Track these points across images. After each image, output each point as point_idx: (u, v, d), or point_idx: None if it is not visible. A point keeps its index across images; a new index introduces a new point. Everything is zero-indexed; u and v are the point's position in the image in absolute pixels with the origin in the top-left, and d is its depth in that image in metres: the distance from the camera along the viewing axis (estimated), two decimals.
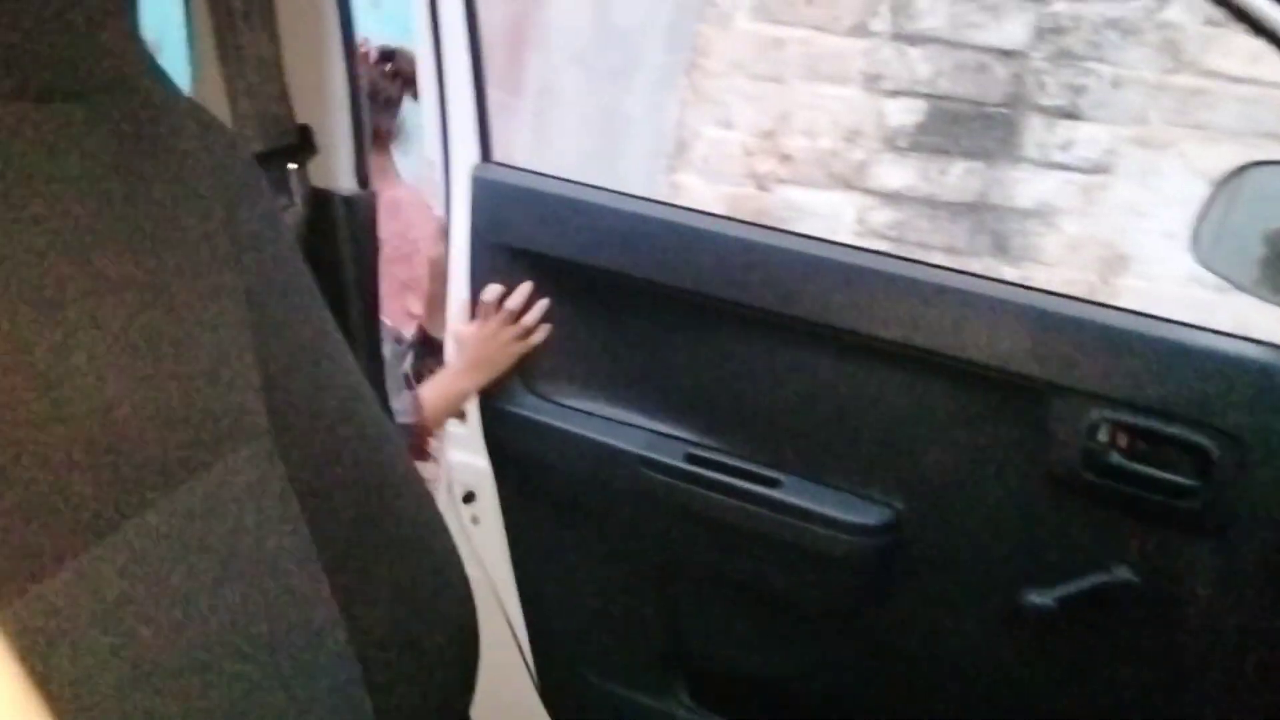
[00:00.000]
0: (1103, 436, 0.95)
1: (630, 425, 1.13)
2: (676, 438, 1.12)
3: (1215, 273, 1.09)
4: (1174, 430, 0.94)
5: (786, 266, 1.04)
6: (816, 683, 1.19)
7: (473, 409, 1.21)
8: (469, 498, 1.25)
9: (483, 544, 1.25)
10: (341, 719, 0.70)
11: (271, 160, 0.86)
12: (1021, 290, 1.04)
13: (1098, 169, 1.94)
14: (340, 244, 0.93)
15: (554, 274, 1.15)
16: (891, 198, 1.98)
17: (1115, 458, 0.95)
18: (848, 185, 1.98)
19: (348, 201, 0.93)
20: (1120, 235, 1.96)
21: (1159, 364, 0.95)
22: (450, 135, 1.19)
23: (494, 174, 1.18)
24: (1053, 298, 1.03)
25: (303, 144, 0.88)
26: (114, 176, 0.60)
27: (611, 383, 1.16)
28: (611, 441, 1.12)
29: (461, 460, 1.23)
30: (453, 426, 1.24)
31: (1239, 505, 0.92)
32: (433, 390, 1.21)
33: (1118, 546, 0.97)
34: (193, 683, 0.59)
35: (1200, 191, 1.97)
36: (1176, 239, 1.93)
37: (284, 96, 0.87)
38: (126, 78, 0.63)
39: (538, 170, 1.18)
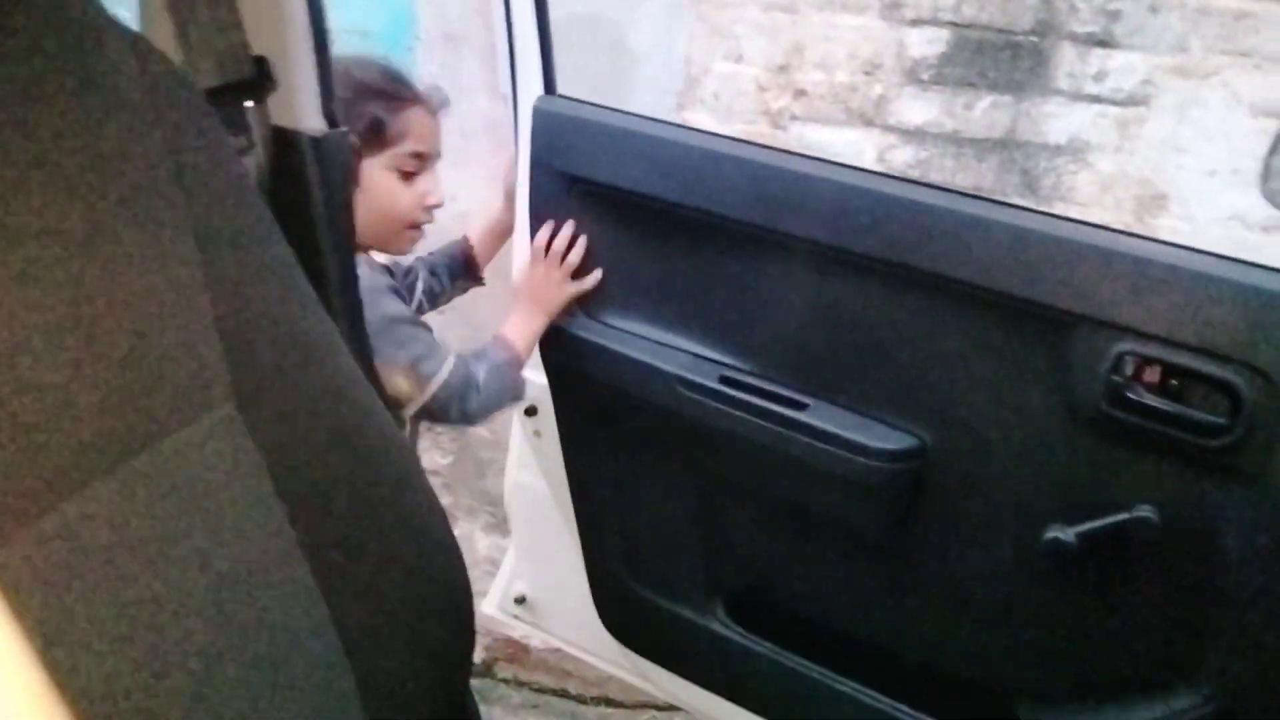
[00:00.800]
0: (1128, 370, 0.94)
1: (670, 347, 1.20)
2: (713, 360, 1.17)
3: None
4: (1202, 366, 0.91)
5: (821, 196, 1.06)
6: (842, 606, 1.21)
7: None
8: (531, 411, 1.34)
9: (546, 456, 1.33)
10: (325, 700, 0.66)
11: (225, 97, 0.78)
12: (1049, 219, 1.03)
13: (1134, 101, 1.82)
14: (309, 189, 0.86)
15: (607, 202, 1.21)
16: (913, 134, 1.87)
17: (1140, 393, 0.94)
18: (867, 122, 1.87)
19: (316, 142, 0.86)
20: (1157, 173, 1.84)
21: (1188, 297, 0.92)
22: (517, 69, 1.27)
23: (555, 105, 1.25)
24: (1080, 227, 1.02)
25: (260, 78, 0.80)
26: (40, 113, 0.53)
27: (656, 306, 1.22)
28: (652, 361, 1.18)
29: (525, 375, 1.32)
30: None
31: (1271, 447, 0.89)
32: (514, 331, 1.29)
33: (1141, 485, 0.96)
34: (154, 667, 0.55)
35: (1244, 124, 1.86)
36: (1218, 175, 1.82)
37: (237, 25, 0.79)
38: (56, 2, 0.56)
39: (596, 103, 1.26)
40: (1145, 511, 0.96)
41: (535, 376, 1.33)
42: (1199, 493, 0.95)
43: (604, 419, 1.28)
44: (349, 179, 0.91)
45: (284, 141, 0.83)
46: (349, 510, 0.69)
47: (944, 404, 1.06)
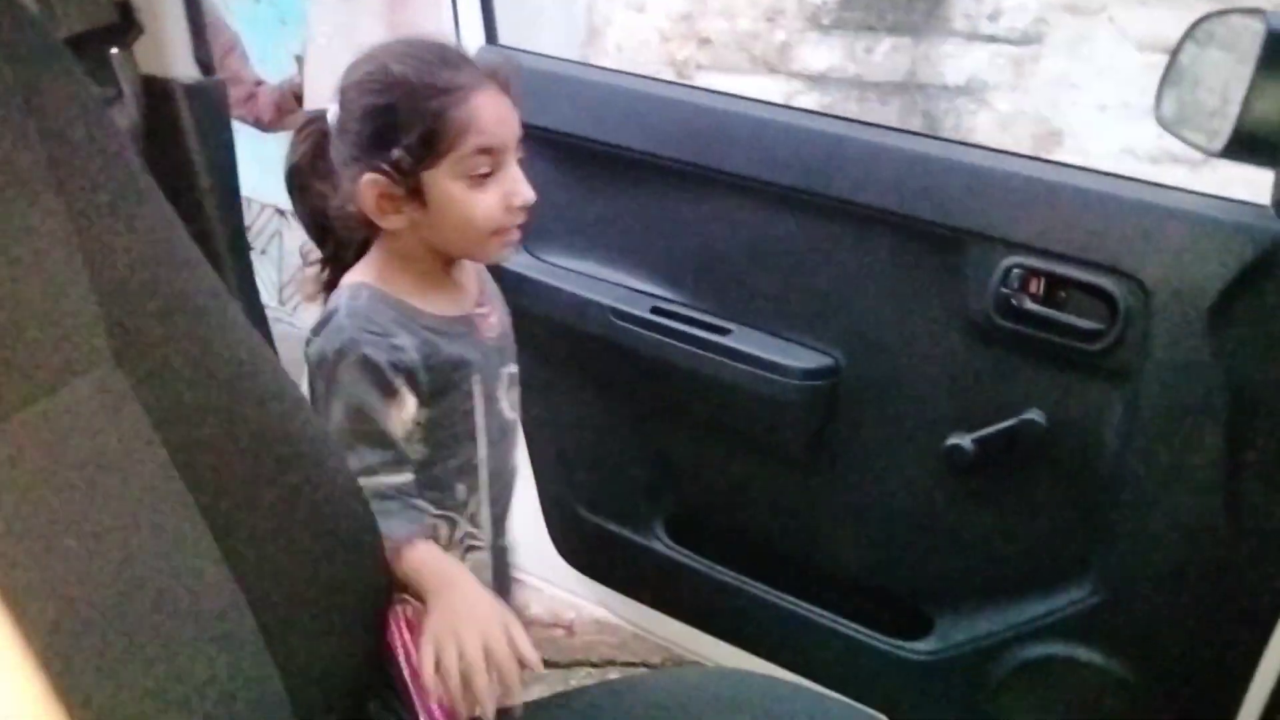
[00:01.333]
0: (1015, 283, 0.99)
1: (607, 281, 1.24)
2: (646, 292, 1.22)
3: (1177, 136, 1.06)
4: (1080, 274, 0.97)
5: (742, 132, 1.12)
6: (769, 521, 1.27)
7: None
8: None
9: None
10: (232, 650, 0.65)
11: (87, 45, 0.74)
12: (945, 144, 1.12)
13: (1027, 40, 1.86)
14: (186, 140, 0.83)
15: (548, 146, 1.23)
16: (817, 80, 1.89)
17: (1027, 303, 0.99)
18: (771, 69, 1.88)
19: (190, 90, 0.82)
20: (1053, 109, 1.90)
21: (1068, 211, 0.99)
22: (459, 21, 1.30)
23: (498, 55, 1.27)
24: (971, 150, 1.09)
25: (123, 23, 0.76)
26: None
27: (595, 243, 1.27)
28: (589, 295, 1.23)
29: None
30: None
31: (1144, 349, 0.96)
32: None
33: (1031, 390, 1.03)
34: (43, 625, 0.53)
35: (1132, 59, 1.91)
36: (1109, 110, 1.88)
37: None
38: None
39: (536, 51, 1.31)
40: (1033, 415, 1.02)
41: None
42: (1082, 394, 1.01)
43: (549, 354, 1.32)
44: (228, 127, 0.87)
45: (155, 91, 0.79)
46: (244, 462, 0.68)
47: (854, 323, 1.12)
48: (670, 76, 1.86)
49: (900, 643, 1.14)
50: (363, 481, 0.82)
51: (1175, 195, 1.03)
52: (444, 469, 0.92)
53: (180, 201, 0.71)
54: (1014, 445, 1.04)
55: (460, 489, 0.94)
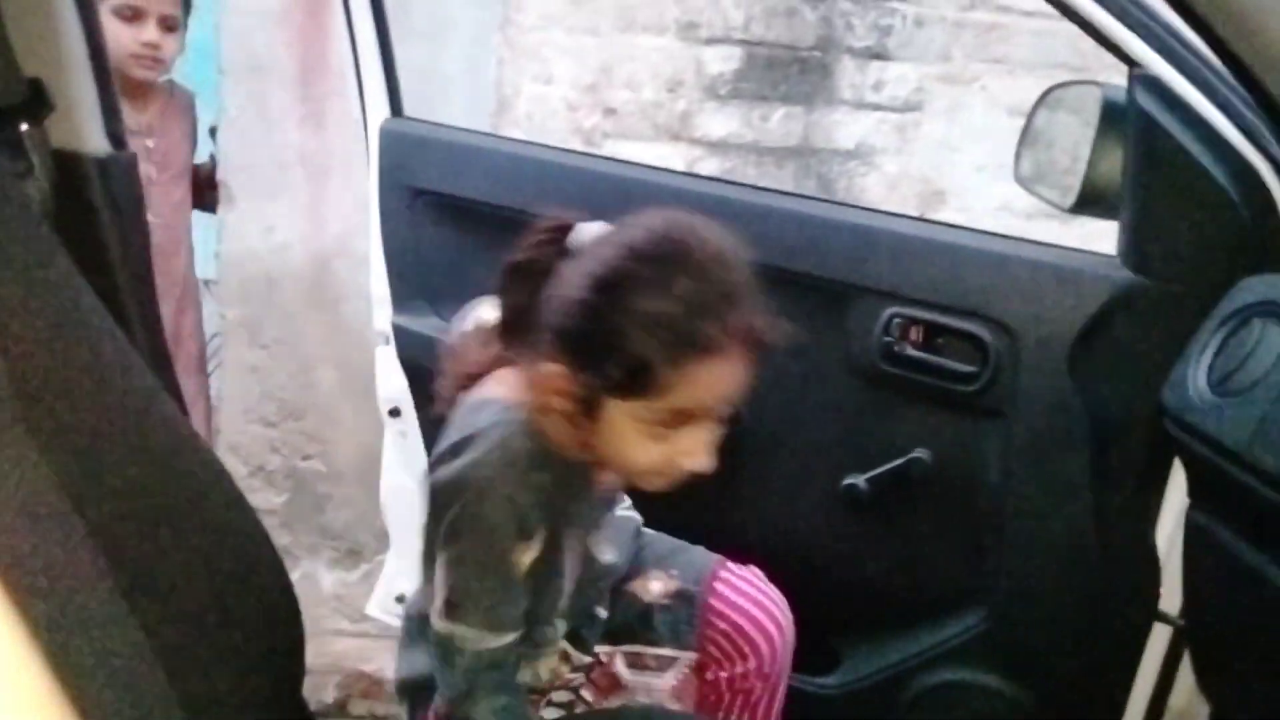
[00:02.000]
0: (895, 331, 1.09)
1: None
2: None
3: (1033, 193, 1.17)
4: (954, 322, 1.07)
5: (637, 196, 1.16)
6: None
7: (391, 332, 1.39)
8: (394, 413, 1.41)
9: (414, 456, 1.41)
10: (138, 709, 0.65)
11: None
12: (825, 204, 1.21)
13: (909, 107, 2.00)
14: (97, 212, 0.85)
15: (451, 211, 1.31)
16: (717, 146, 1.99)
17: (908, 349, 1.09)
18: (674, 136, 1.97)
19: (101, 164, 0.84)
20: (935, 171, 2.03)
21: (941, 264, 1.09)
22: (364, 93, 1.36)
23: (402, 127, 1.35)
24: (854, 210, 1.20)
25: (34, 100, 0.79)
26: None
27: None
28: None
29: (387, 379, 1.40)
30: (379, 349, 1.40)
31: (1013, 388, 1.05)
32: None
33: (916, 431, 1.11)
34: None
35: (1003, 124, 2.06)
36: (986, 171, 2.02)
37: (6, 48, 0.77)
38: None
39: (440, 123, 1.39)
40: (920, 453, 1.10)
41: (396, 378, 1.40)
42: (961, 433, 1.10)
43: None
44: (140, 201, 0.90)
45: (66, 164, 0.81)
46: (156, 527, 0.68)
47: (752, 374, 1.18)
48: (579, 145, 1.93)
49: (809, 678, 1.18)
50: (478, 643, 0.80)
51: (1036, 248, 1.13)
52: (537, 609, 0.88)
53: (91, 272, 0.73)
54: (904, 483, 1.11)
55: (548, 630, 0.91)
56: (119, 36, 1.60)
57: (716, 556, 1.08)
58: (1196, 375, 0.83)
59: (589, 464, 0.87)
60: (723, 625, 1.02)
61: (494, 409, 0.83)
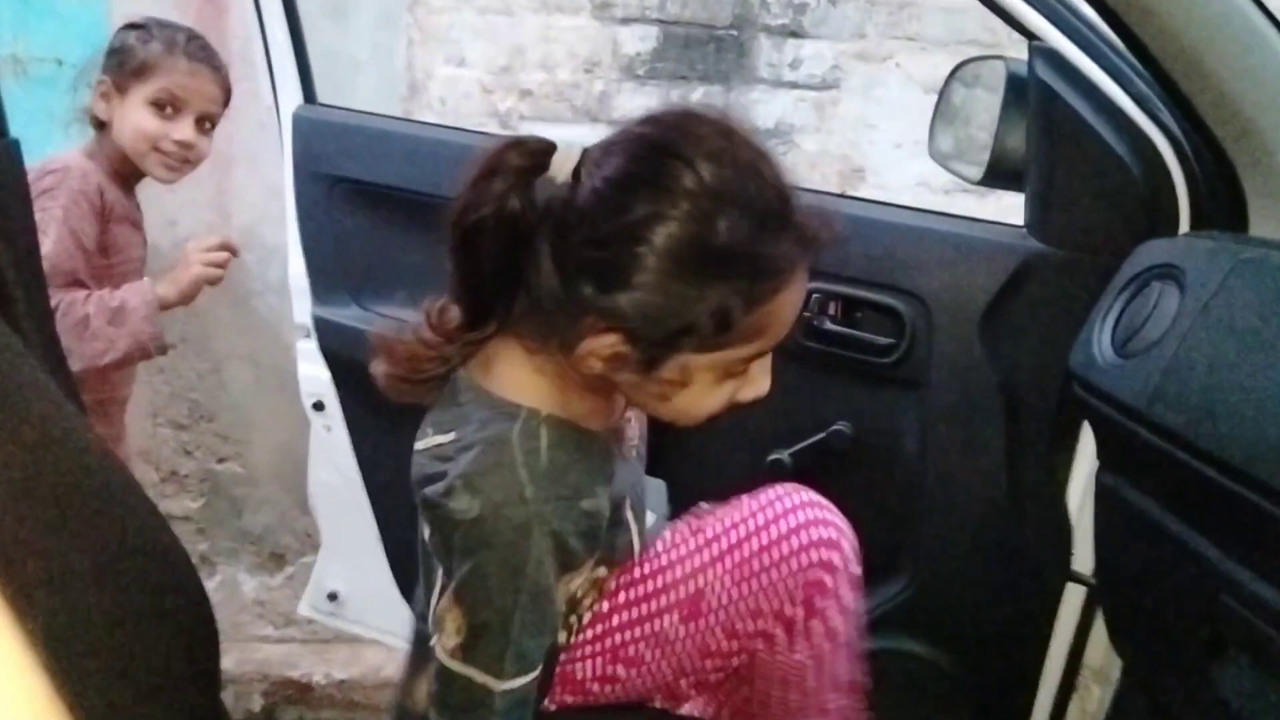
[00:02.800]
0: (815, 306, 1.10)
1: None
2: None
3: (947, 168, 1.18)
4: (871, 295, 1.08)
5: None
6: None
7: (312, 324, 1.35)
8: (318, 406, 1.37)
9: (339, 450, 1.38)
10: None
11: None
12: None
13: (826, 85, 2.01)
14: None
15: (367, 198, 1.28)
16: None
17: (828, 324, 1.10)
18: (593, 117, 1.95)
19: None
20: (854, 148, 2.05)
21: (856, 239, 1.09)
22: (276, 80, 1.33)
23: (314, 113, 1.33)
24: None
25: None
26: None
27: (416, 289, 1.25)
28: None
29: (309, 373, 1.36)
30: (300, 342, 1.36)
31: (928, 359, 1.07)
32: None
33: (839, 404, 1.13)
34: None
35: (919, 101, 2.08)
36: (904, 148, 2.04)
37: None
38: None
39: (351, 108, 1.38)
40: (841, 426, 1.12)
41: (319, 371, 1.37)
42: (880, 404, 1.12)
43: (382, 404, 1.31)
44: (24, 190, 0.84)
45: None
46: (53, 536, 0.65)
47: None
48: (494, 128, 1.90)
49: None
50: (504, 685, 0.68)
51: (949, 221, 1.15)
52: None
53: None
54: (827, 455, 1.12)
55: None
56: (148, 129, 1.37)
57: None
58: (1101, 338, 0.84)
59: (614, 432, 0.80)
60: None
61: (500, 417, 0.71)
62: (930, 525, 1.10)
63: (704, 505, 0.95)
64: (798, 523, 0.85)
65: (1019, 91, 1.04)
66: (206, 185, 1.84)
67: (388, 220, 1.29)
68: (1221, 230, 0.90)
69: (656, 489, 1.05)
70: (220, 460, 1.98)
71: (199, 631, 0.78)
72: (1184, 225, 0.94)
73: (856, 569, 0.88)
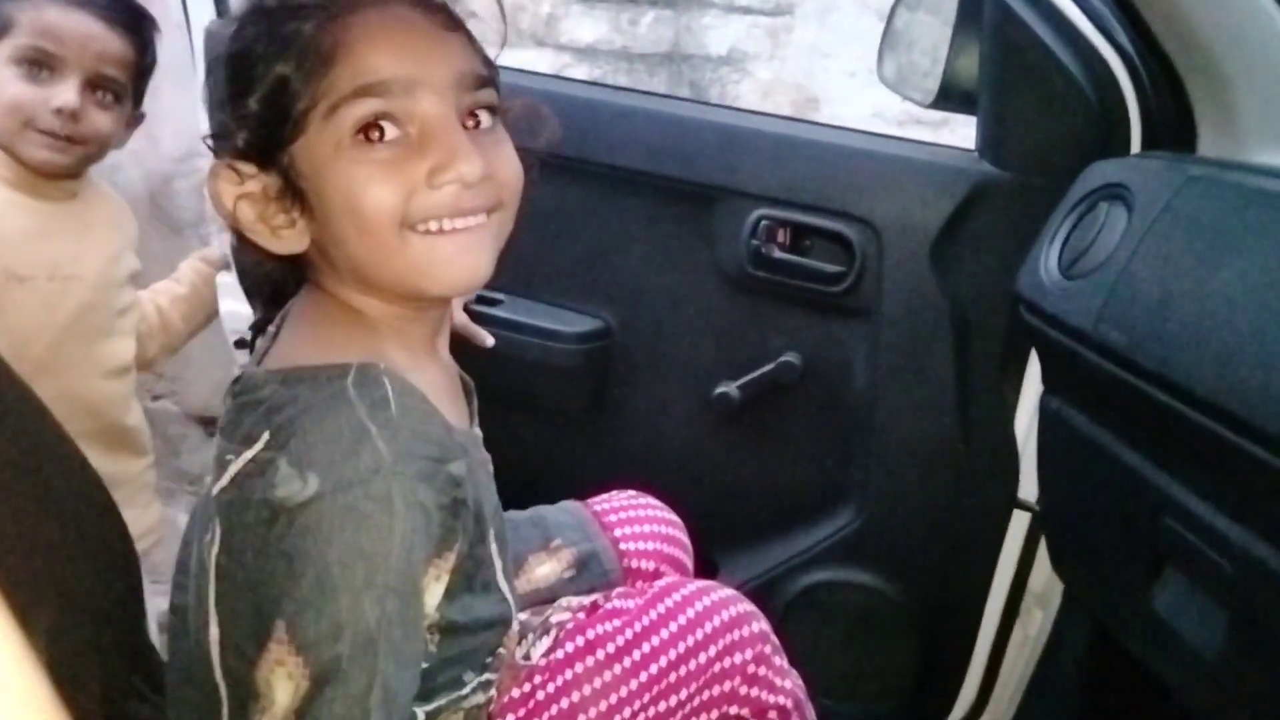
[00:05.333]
0: (763, 234, 1.06)
1: None
2: None
3: (898, 93, 1.15)
4: (820, 221, 1.05)
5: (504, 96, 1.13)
6: (556, 481, 1.20)
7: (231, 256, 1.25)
8: (240, 344, 1.21)
9: None
10: None
11: None
12: (690, 104, 1.20)
13: (780, 11, 1.96)
14: None
15: None
16: (586, 52, 1.91)
17: (775, 252, 1.06)
18: (539, 42, 1.89)
19: None
20: (808, 77, 2.01)
21: (806, 164, 1.06)
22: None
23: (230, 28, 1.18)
24: (721, 110, 1.15)
25: None
26: None
27: None
28: None
29: (231, 309, 1.29)
30: (222, 277, 1.28)
31: (879, 286, 1.04)
32: None
33: (787, 335, 1.10)
34: None
35: (874, 28, 2.04)
36: (858, 76, 2.01)
37: None
38: None
39: None
40: (790, 357, 1.09)
41: (240, 306, 1.30)
42: (830, 334, 1.09)
43: None
44: None
45: None
46: None
47: (621, 285, 1.15)
48: None
49: None
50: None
51: (897, 144, 1.12)
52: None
53: None
54: (775, 388, 1.10)
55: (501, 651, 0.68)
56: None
57: (576, 503, 0.93)
58: (1048, 260, 0.83)
59: (447, 383, 0.67)
60: (641, 562, 0.88)
61: (322, 383, 0.54)
62: (879, 454, 1.09)
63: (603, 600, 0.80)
64: (714, 627, 0.76)
65: (972, 12, 1.02)
66: None
67: None
68: (1172, 151, 0.89)
69: (569, 515, 0.89)
70: (155, 398, 1.93)
71: (118, 560, 0.76)
72: (1135, 147, 0.92)
73: (774, 640, 0.80)
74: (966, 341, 1.04)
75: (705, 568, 1.21)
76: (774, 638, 0.80)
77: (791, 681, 0.80)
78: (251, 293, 0.73)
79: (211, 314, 1.31)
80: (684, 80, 1.95)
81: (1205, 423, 0.63)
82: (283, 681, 0.51)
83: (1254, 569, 0.63)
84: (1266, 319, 0.61)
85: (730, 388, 1.10)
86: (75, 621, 0.66)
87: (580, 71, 1.90)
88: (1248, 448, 0.60)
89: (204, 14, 1.25)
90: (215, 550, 0.54)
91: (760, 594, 1.16)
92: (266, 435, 0.53)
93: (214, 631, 0.55)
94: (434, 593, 0.56)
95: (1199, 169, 0.75)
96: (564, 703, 0.71)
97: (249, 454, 0.54)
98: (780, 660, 0.80)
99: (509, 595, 0.65)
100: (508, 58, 2.06)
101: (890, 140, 1.13)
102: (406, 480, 0.51)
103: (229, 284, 1.30)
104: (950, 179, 1.02)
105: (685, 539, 0.95)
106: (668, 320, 1.15)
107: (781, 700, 0.78)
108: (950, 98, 1.06)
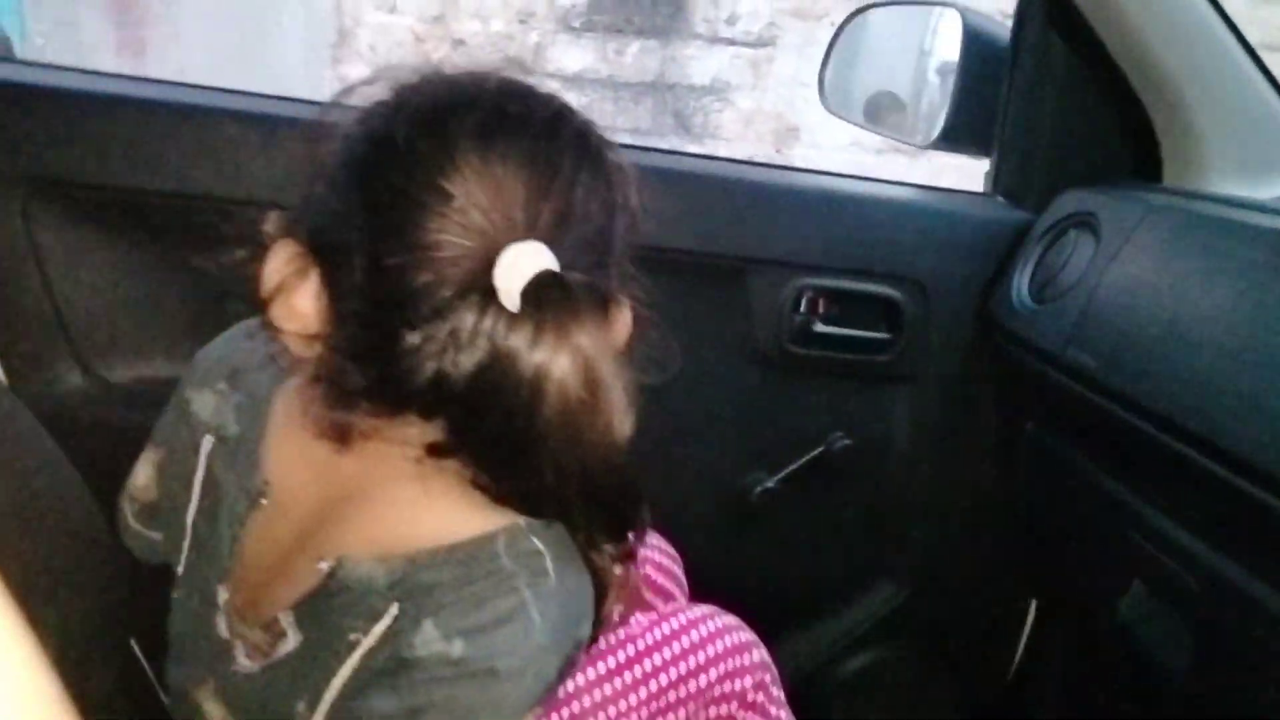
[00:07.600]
0: (804, 306, 0.94)
1: None
2: None
3: (837, 116, 1.14)
4: (867, 286, 0.94)
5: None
6: None
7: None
8: None
9: None
10: None
11: None
12: (710, 162, 1.03)
13: (762, 42, 2.00)
14: None
15: (93, 206, 0.87)
16: (573, 80, 1.94)
17: (818, 325, 0.94)
18: (525, 70, 1.91)
19: None
20: (788, 107, 2.05)
21: (848, 222, 0.95)
22: None
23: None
24: (740, 166, 1.02)
25: None
26: None
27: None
28: None
29: None
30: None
31: (925, 349, 0.96)
32: None
33: (831, 412, 0.98)
34: None
35: None
36: None
37: None
38: None
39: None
40: (838, 438, 0.98)
41: None
42: (872, 406, 0.99)
43: None
44: None
45: None
46: None
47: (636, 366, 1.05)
48: None
49: None
50: None
51: (938, 196, 1.04)
52: None
53: None
54: (819, 469, 0.99)
55: None
56: None
57: None
58: (1020, 285, 0.86)
59: None
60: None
61: (470, 559, 0.50)
62: (926, 530, 1.04)
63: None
64: (716, 652, 0.77)
65: (983, 48, 0.96)
66: None
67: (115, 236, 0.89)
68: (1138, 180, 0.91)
69: None
70: None
71: (94, 537, 0.76)
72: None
73: (774, 670, 0.81)
74: (1007, 395, 0.98)
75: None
76: (774, 669, 0.80)
77: (786, 714, 0.81)
78: None
79: None
80: (668, 109, 1.99)
81: (1170, 443, 0.66)
82: None
83: (1218, 584, 0.65)
84: (1227, 343, 0.63)
85: (769, 481, 0.98)
86: (84, 619, 0.66)
87: (567, 99, 1.93)
88: (1211, 467, 0.62)
89: None
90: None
91: (813, 679, 1.08)
92: (395, 608, 0.50)
93: None
94: None
95: (1162, 199, 0.79)
96: (564, 712, 0.72)
97: (379, 629, 0.50)
98: (778, 691, 0.81)
99: None
100: None
101: (929, 191, 1.05)
102: (551, 662, 0.50)
103: None
104: (995, 231, 0.96)
105: (679, 571, 0.92)
106: (698, 402, 0.99)
107: None
108: (957, 139, 1.00)
